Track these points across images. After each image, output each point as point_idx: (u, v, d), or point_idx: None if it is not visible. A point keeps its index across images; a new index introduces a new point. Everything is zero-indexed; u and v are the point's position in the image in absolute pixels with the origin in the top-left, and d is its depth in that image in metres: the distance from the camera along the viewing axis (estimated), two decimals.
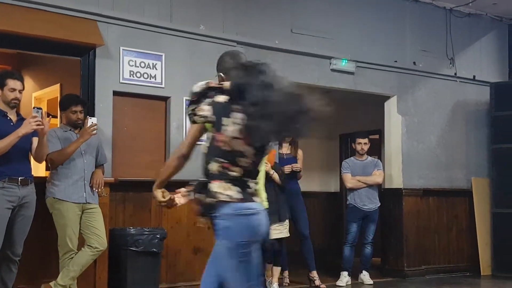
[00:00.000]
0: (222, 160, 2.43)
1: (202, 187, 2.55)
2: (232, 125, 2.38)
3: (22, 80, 4.18)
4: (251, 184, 2.48)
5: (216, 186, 2.44)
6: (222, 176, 2.44)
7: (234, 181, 2.42)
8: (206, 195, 2.51)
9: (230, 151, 2.41)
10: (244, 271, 2.41)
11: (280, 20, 6.23)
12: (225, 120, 2.41)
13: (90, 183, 4.51)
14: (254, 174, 2.50)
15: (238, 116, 2.38)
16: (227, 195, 2.41)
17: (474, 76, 7.71)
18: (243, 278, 2.42)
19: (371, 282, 6.34)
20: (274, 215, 5.15)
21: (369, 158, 6.54)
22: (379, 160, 6.67)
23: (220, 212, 2.44)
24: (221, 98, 2.48)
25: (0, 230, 3.91)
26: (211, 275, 2.55)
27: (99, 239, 4.42)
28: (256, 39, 5.97)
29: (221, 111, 2.45)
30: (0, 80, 4.09)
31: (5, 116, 4.09)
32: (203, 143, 2.61)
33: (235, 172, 2.42)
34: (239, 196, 2.41)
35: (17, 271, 4.13)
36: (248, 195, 2.44)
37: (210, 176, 2.49)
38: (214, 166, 2.46)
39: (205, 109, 2.52)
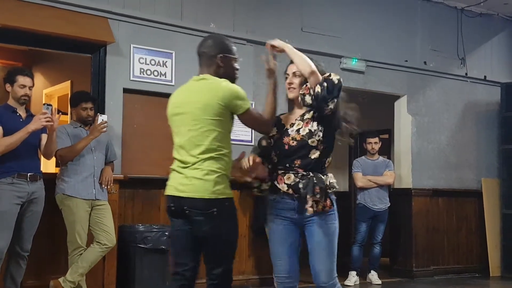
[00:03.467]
0: (331, 157, 2.99)
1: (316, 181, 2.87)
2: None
3: (32, 77, 4.20)
4: None
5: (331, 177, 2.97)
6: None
7: None
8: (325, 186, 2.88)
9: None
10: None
11: (290, 18, 6.22)
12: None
13: (99, 180, 4.53)
14: None
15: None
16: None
17: (485, 77, 7.66)
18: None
19: (379, 282, 6.32)
20: None
21: (381, 158, 6.52)
22: (390, 161, 6.64)
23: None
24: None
25: (9, 225, 3.93)
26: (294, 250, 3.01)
27: (108, 236, 4.43)
28: (266, 37, 5.84)
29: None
30: (10, 77, 4.12)
31: (14, 112, 4.11)
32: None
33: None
34: None
35: (26, 267, 4.15)
36: None
37: (323, 169, 2.95)
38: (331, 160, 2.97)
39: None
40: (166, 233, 4.80)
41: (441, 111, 7.28)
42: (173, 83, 5.48)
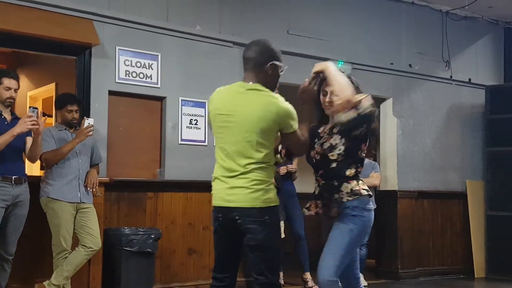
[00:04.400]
0: (359, 165, 3.00)
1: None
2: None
3: (17, 79, 4.17)
4: None
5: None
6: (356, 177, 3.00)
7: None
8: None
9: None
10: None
11: (276, 21, 6.23)
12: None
13: (84, 183, 4.50)
14: None
15: None
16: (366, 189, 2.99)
17: (469, 79, 7.74)
18: None
19: (365, 283, 6.32)
20: None
21: (367, 160, 6.53)
22: (376, 163, 6.68)
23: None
24: None
25: None
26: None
27: (93, 239, 4.40)
28: (252, 39, 5.94)
29: None
30: None
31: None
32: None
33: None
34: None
35: (11, 271, 4.12)
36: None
37: (346, 178, 2.95)
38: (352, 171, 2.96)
39: None
40: (152, 236, 4.78)
41: (426, 113, 7.34)
42: (159, 85, 5.47)
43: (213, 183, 2.87)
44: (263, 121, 2.72)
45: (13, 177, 4.00)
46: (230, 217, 2.76)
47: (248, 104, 2.76)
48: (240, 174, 2.74)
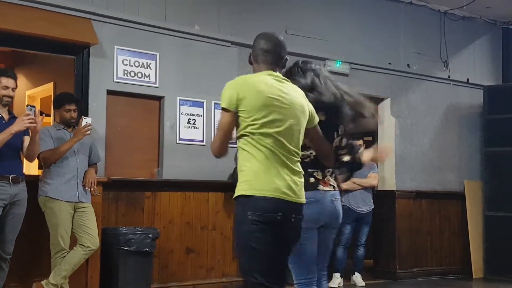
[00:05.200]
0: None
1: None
2: None
3: (15, 78, 4.16)
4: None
5: None
6: None
7: None
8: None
9: None
10: None
11: (274, 21, 6.23)
12: None
13: (83, 182, 4.50)
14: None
15: None
16: None
17: (467, 79, 7.75)
18: None
19: (363, 283, 6.35)
20: None
21: None
22: (374, 163, 6.67)
23: None
24: None
25: None
26: None
27: (91, 238, 4.40)
28: (251, 39, 5.83)
29: None
30: None
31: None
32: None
33: None
34: None
35: (9, 270, 4.11)
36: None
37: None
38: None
39: None
40: (150, 236, 4.78)
41: (424, 113, 7.35)
42: (157, 85, 5.47)
43: (264, 170, 2.51)
44: (306, 113, 2.65)
45: (11, 176, 3.99)
46: (288, 212, 2.51)
47: (295, 96, 2.63)
48: (296, 167, 2.58)
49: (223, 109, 2.54)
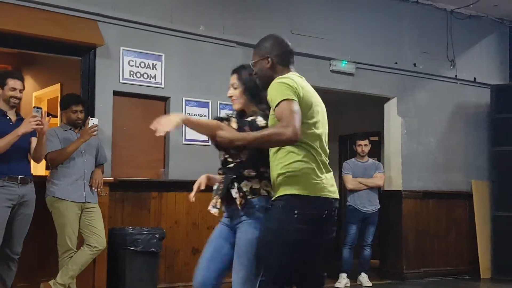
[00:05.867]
0: None
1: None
2: None
3: (22, 80, 4.19)
4: None
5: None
6: None
7: None
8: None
9: None
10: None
11: (280, 21, 6.23)
12: None
13: (89, 183, 4.52)
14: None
15: None
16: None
17: (474, 78, 7.71)
18: None
19: (369, 284, 6.34)
20: None
21: (370, 160, 6.55)
22: (380, 163, 6.68)
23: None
24: None
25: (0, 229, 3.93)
26: None
27: (98, 239, 4.42)
28: (256, 40, 5.81)
29: None
30: (1, 80, 4.11)
31: (4, 116, 4.11)
32: None
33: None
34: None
35: (17, 270, 4.14)
36: None
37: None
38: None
39: None
40: (156, 236, 4.80)
41: (431, 113, 7.32)
42: (162, 86, 5.49)
43: (315, 171, 2.60)
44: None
45: (19, 177, 4.03)
46: (334, 210, 2.65)
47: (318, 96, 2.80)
48: (328, 166, 2.72)
49: (287, 100, 2.51)
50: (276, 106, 2.52)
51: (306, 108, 2.60)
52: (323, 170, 2.63)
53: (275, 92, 2.56)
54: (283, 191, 2.58)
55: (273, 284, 2.56)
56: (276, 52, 2.81)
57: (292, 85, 2.57)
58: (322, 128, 2.70)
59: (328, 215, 2.60)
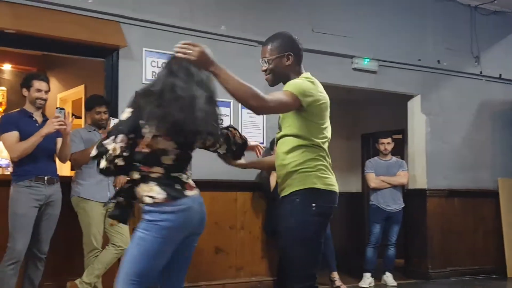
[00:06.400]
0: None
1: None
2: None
3: (47, 81, 4.25)
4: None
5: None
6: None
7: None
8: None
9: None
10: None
11: (301, 19, 6.21)
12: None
13: (114, 183, 4.56)
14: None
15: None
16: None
17: (500, 75, 7.59)
18: None
19: (394, 283, 6.28)
20: None
21: (394, 158, 6.49)
22: (403, 161, 6.61)
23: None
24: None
25: (27, 228, 3.99)
26: None
27: (123, 238, 4.46)
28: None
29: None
30: (26, 82, 4.19)
31: (31, 117, 4.17)
32: None
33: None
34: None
35: (44, 269, 4.20)
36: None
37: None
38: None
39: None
40: None
41: (455, 110, 7.22)
42: None
43: (326, 169, 2.75)
44: None
45: (46, 177, 4.09)
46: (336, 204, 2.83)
47: None
48: None
49: (292, 94, 2.62)
50: (284, 89, 2.68)
51: (322, 114, 2.74)
52: (331, 170, 2.78)
53: (298, 84, 2.67)
54: (296, 186, 2.68)
55: (299, 278, 2.64)
56: (295, 50, 2.85)
57: (310, 86, 2.69)
58: (329, 133, 2.82)
59: (333, 209, 2.76)
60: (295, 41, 2.87)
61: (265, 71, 2.88)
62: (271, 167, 2.99)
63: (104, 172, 2.50)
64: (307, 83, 2.71)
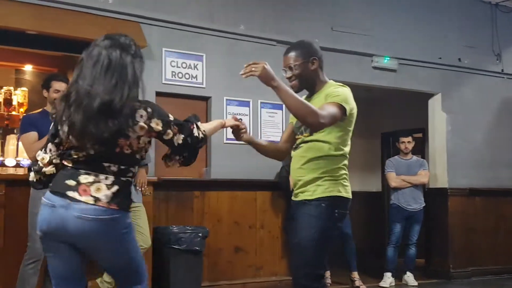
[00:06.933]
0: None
1: None
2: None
3: (67, 82, 4.28)
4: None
5: None
6: None
7: None
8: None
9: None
10: None
11: (320, 18, 6.19)
12: None
13: (134, 183, 4.59)
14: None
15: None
16: None
17: None
18: None
19: (415, 283, 6.23)
20: None
21: (414, 157, 6.43)
22: (424, 160, 6.54)
23: None
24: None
25: None
26: None
27: (143, 237, 4.49)
28: (296, 37, 5.87)
29: None
30: (46, 83, 4.24)
31: (50, 118, 4.21)
32: None
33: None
34: None
35: None
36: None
37: None
38: None
39: None
40: (200, 235, 4.84)
41: (477, 108, 7.14)
42: (204, 86, 5.53)
43: (347, 177, 2.91)
44: None
45: None
46: None
47: None
48: None
49: (341, 105, 2.71)
50: (333, 100, 2.72)
51: (352, 123, 2.86)
52: (348, 178, 2.91)
53: (344, 96, 2.76)
54: (323, 193, 2.77)
55: (316, 277, 2.77)
56: (319, 55, 2.93)
57: (351, 99, 2.80)
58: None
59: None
60: (317, 47, 2.96)
61: (290, 78, 2.93)
62: (271, 155, 3.11)
63: (34, 184, 2.43)
64: (347, 91, 2.82)
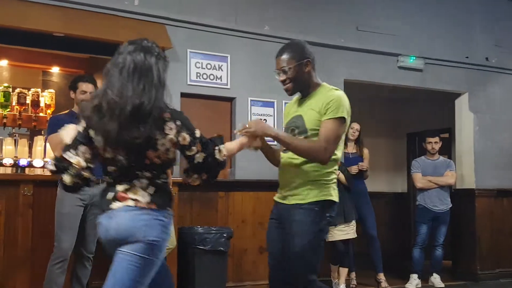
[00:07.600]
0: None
1: None
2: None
3: (93, 83, 4.33)
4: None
5: None
6: None
7: None
8: None
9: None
10: None
11: (345, 18, 6.16)
12: None
13: None
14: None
15: None
16: None
17: None
18: None
19: (442, 285, 6.15)
20: (339, 216, 5.10)
21: (441, 158, 6.34)
22: (451, 161, 6.45)
23: None
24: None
25: (72, 227, 4.06)
26: None
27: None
28: (321, 38, 5.92)
29: None
30: (73, 84, 4.29)
31: (77, 119, 4.25)
32: None
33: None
34: None
35: (91, 268, 4.28)
36: None
37: None
38: None
39: None
40: (224, 235, 4.85)
41: (504, 108, 7.03)
42: (228, 86, 5.54)
43: (336, 181, 2.98)
44: None
45: None
46: None
47: None
48: None
49: (342, 120, 2.73)
50: (331, 116, 2.70)
51: (347, 122, 2.83)
52: None
53: (341, 102, 2.74)
54: (316, 197, 2.76)
55: (309, 281, 2.77)
56: (312, 57, 2.88)
57: (347, 106, 2.78)
58: None
59: None
60: (308, 48, 2.90)
61: (284, 81, 2.90)
62: (276, 162, 3.06)
63: (68, 188, 2.38)
64: (342, 95, 2.80)
